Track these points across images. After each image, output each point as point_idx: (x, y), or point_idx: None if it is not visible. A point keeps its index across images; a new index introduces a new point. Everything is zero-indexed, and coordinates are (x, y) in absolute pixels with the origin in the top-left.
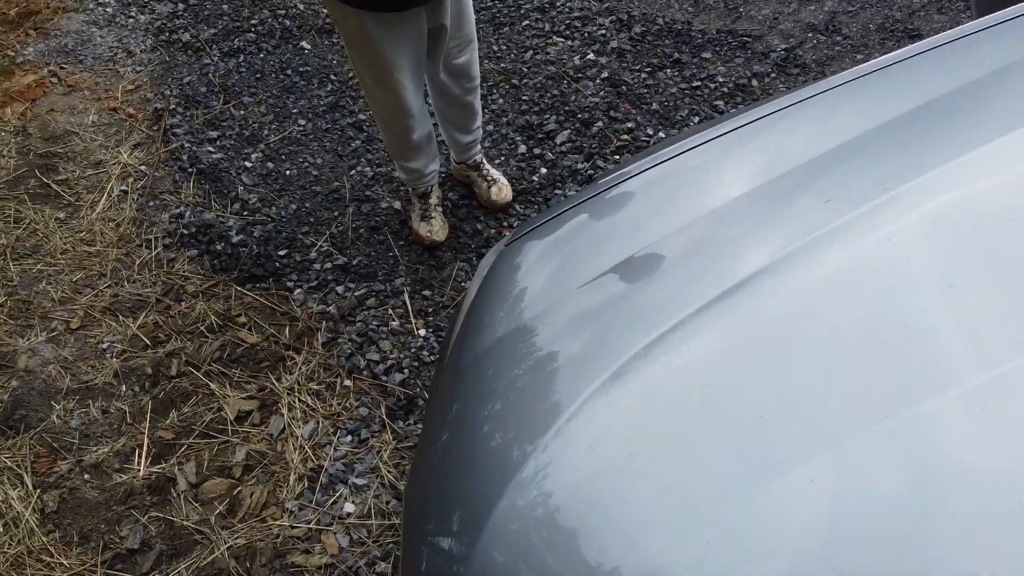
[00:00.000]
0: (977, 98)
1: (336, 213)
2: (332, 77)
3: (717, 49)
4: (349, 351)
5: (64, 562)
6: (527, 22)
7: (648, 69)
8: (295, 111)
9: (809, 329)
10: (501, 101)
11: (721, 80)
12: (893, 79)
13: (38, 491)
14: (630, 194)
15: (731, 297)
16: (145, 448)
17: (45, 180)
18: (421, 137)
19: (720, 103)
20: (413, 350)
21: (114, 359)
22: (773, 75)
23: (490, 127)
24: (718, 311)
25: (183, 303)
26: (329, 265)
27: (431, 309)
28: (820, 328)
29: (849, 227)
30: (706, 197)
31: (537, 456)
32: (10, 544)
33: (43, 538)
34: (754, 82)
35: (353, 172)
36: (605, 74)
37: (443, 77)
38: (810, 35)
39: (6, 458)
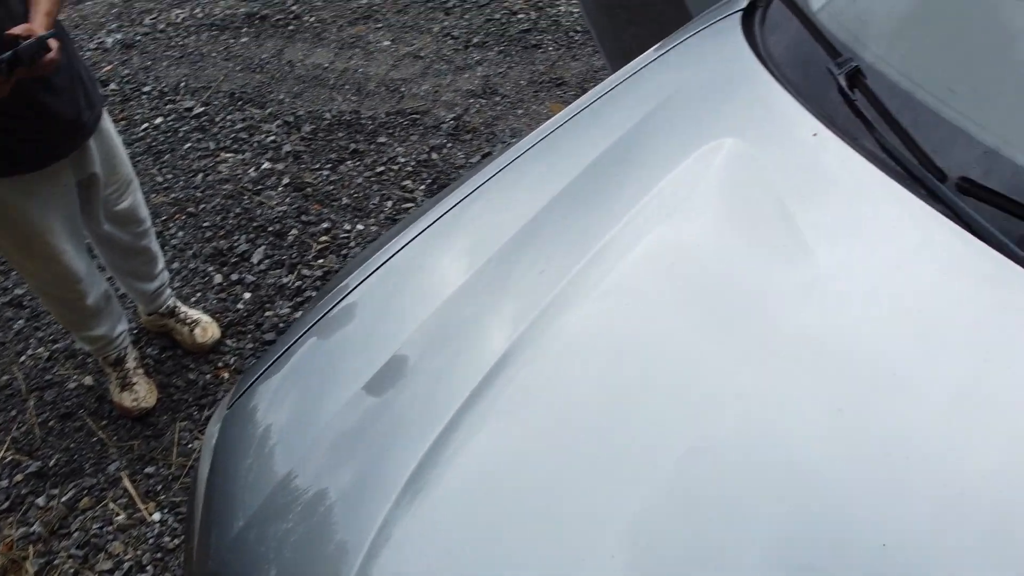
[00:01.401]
0: (634, 147)
1: (14, 412)
2: None
3: (391, 131)
4: (72, 570)
5: None
6: (189, 144)
7: (329, 165)
8: None
9: (569, 399)
10: (181, 234)
11: (403, 160)
12: (564, 141)
13: None
14: (356, 305)
15: (489, 386)
16: None
17: None
18: (98, 300)
19: (408, 182)
20: (151, 540)
21: None
22: (449, 145)
23: (175, 265)
24: (482, 403)
25: None
26: (20, 476)
27: (160, 486)
28: (580, 396)
29: (571, 291)
30: (432, 290)
31: None
32: None
33: None
34: (434, 155)
35: (24, 358)
36: (286, 180)
37: (107, 228)
38: (472, 101)
39: None
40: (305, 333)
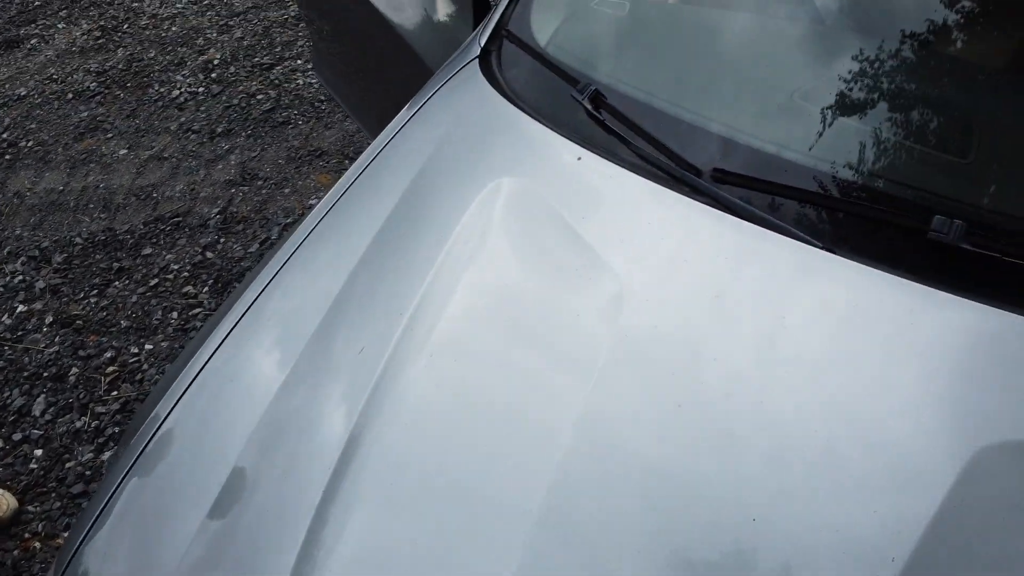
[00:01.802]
0: (417, 207)
1: None
2: None
3: (154, 240)
4: None
5: None
6: None
7: (95, 291)
8: None
9: (430, 465)
10: None
11: (176, 267)
12: (345, 216)
13: None
14: (174, 431)
15: (345, 474)
16: None
17: None
18: None
19: (189, 288)
20: None
21: None
22: (223, 240)
23: None
24: (344, 491)
25: None
26: None
27: None
28: (439, 458)
29: (397, 360)
30: (253, 395)
31: None
32: None
33: None
34: (209, 253)
35: None
36: (50, 318)
37: None
38: (233, 191)
39: None
40: (125, 476)
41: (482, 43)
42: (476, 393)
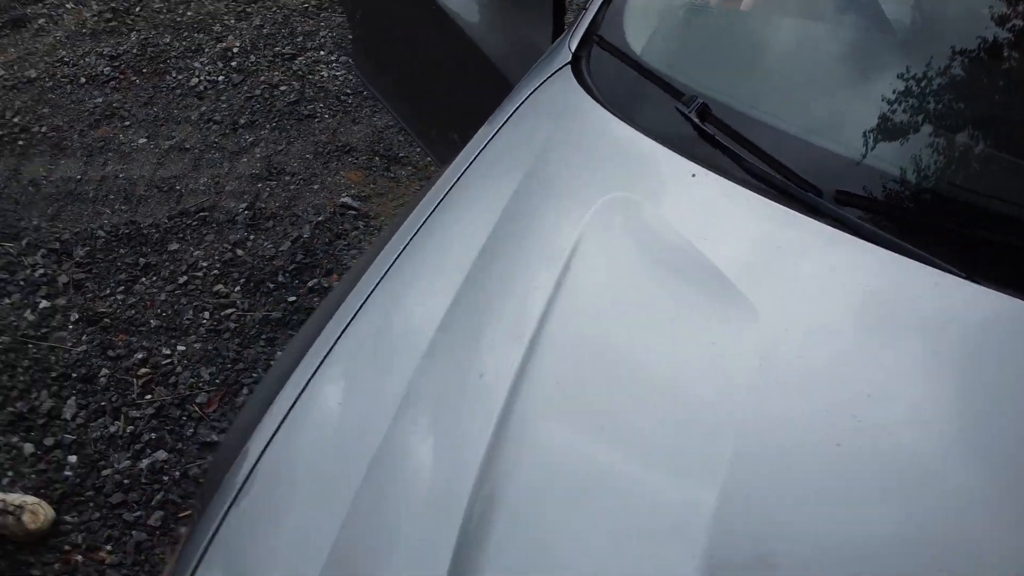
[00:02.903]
0: (523, 224)
1: None
2: None
3: (181, 235)
4: None
5: None
6: None
7: (121, 288)
8: None
9: (573, 524)
10: None
11: (205, 264)
12: (438, 235)
13: None
14: (274, 466)
15: (488, 532)
16: None
17: None
18: None
19: (220, 287)
20: None
21: None
22: (252, 236)
23: None
24: (488, 552)
25: None
26: None
27: None
28: (586, 511)
29: (525, 393)
30: (364, 424)
31: None
32: None
33: None
34: (239, 251)
35: None
36: (75, 315)
37: None
38: (260, 185)
39: None
40: (224, 516)
41: (572, 48)
42: (612, 426)
